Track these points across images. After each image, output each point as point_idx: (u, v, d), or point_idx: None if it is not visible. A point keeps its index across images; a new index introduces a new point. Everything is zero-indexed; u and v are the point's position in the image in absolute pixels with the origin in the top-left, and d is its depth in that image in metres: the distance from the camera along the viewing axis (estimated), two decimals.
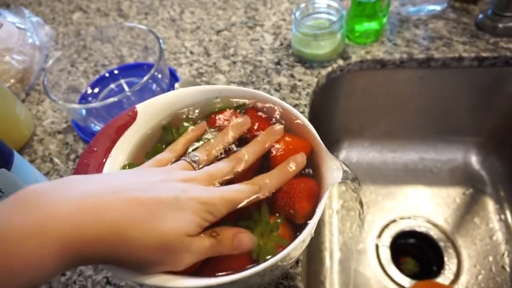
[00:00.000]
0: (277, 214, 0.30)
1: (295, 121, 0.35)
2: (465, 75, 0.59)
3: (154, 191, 0.25)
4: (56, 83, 0.59)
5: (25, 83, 0.62)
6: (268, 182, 0.29)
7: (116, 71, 0.60)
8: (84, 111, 0.51)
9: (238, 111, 0.38)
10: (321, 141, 0.33)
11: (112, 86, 0.59)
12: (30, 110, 0.60)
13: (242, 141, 0.37)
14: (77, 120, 0.53)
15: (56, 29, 0.74)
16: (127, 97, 0.49)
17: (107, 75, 0.59)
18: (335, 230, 0.66)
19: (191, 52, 0.64)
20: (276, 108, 0.37)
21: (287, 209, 0.30)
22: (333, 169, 0.31)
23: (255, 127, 0.36)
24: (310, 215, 0.29)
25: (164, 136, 0.38)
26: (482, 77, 0.59)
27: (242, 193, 0.28)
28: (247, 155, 0.32)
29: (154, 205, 0.24)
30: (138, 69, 0.60)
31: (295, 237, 0.29)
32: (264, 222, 0.29)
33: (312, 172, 0.32)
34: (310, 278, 0.61)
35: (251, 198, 0.28)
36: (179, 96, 0.39)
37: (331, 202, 0.69)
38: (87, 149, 0.34)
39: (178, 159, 0.32)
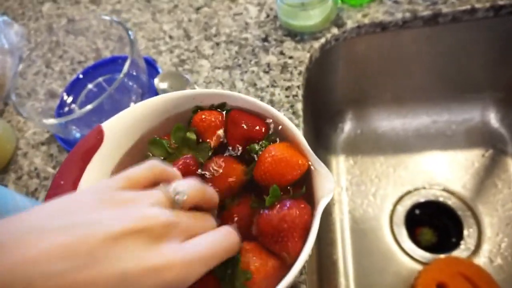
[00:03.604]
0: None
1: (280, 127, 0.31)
2: (479, 28, 0.52)
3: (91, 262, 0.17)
4: (33, 90, 0.55)
5: (0, 92, 0.58)
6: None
7: (91, 70, 0.55)
8: (63, 122, 0.47)
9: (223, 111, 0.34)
10: (310, 149, 0.29)
11: (90, 86, 0.55)
12: (9, 122, 0.57)
13: (222, 147, 0.33)
14: (58, 133, 0.49)
15: (27, 25, 0.69)
16: (105, 100, 0.45)
17: (81, 76, 0.54)
18: (345, 208, 0.63)
19: (170, 37, 0.58)
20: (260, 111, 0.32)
21: (278, 251, 0.26)
22: (325, 184, 0.27)
23: (245, 127, 0.32)
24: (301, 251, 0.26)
25: (153, 152, 0.33)
26: (498, 28, 0.52)
27: (226, 240, 0.22)
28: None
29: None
30: (114, 63, 0.55)
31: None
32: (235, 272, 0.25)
33: (305, 192, 0.28)
34: (322, 260, 0.59)
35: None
36: (149, 108, 0.34)
37: (339, 179, 0.66)
38: (53, 183, 0.31)
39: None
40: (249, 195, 0.29)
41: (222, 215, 0.29)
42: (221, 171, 0.31)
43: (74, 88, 0.54)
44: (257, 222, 0.27)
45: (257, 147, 0.30)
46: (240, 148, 0.32)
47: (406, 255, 0.58)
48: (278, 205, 0.27)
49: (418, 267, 0.56)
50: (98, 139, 0.32)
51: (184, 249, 0.20)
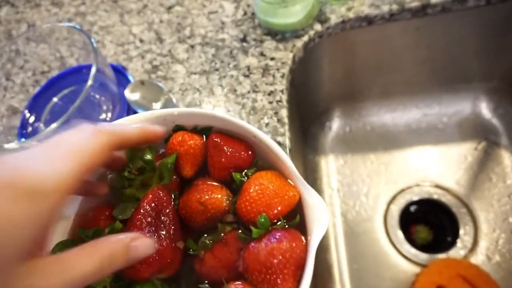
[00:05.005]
0: None
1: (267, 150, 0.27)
2: (470, 17, 0.49)
3: None
4: None
5: None
6: None
7: (55, 81, 0.50)
8: (26, 146, 0.43)
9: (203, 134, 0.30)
10: (302, 178, 0.25)
11: (55, 100, 0.50)
12: None
13: (202, 171, 0.29)
14: None
15: None
16: (72, 116, 0.40)
17: (44, 89, 0.50)
18: (338, 210, 0.61)
19: (141, 40, 0.54)
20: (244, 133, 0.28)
21: None
22: (318, 217, 0.24)
23: (228, 154, 0.28)
24: None
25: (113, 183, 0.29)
26: (490, 16, 0.49)
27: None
28: None
29: None
30: (79, 73, 0.50)
31: None
32: None
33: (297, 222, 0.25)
34: (316, 268, 0.57)
35: None
36: None
37: (330, 180, 0.63)
38: None
39: None
40: (234, 232, 0.26)
41: (203, 254, 0.26)
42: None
43: (37, 103, 0.49)
44: (243, 257, 0.24)
45: (241, 176, 0.27)
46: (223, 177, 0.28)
47: (403, 257, 0.56)
48: (266, 237, 0.24)
49: (416, 268, 0.55)
50: None
51: None
